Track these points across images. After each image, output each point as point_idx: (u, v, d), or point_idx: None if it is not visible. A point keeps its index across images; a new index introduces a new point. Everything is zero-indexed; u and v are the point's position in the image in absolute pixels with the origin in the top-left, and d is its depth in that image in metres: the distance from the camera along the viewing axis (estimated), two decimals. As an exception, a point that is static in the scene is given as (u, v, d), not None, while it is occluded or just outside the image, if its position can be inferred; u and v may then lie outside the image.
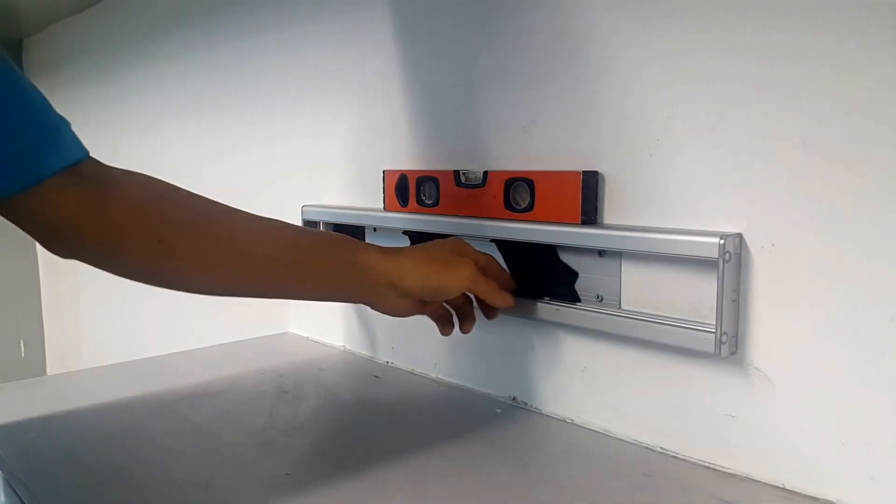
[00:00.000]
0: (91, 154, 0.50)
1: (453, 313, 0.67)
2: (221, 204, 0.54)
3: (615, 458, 0.59)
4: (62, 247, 0.50)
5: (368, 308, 0.63)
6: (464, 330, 0.66)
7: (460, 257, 0.61)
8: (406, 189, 0.77)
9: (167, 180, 0.54)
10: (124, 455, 0.61)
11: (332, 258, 0.58)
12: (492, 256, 0.66)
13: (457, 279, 0.60)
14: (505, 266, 0.68)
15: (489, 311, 0.65)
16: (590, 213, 0.61)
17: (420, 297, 0.61)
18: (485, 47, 0.70)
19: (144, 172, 0.53)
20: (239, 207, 0.56)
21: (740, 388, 0.54)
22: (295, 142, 1.01)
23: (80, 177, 0.48)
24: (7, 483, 0.58)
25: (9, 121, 0.45)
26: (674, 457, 0.58)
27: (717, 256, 0.51)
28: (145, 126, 1.47)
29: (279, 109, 1.03)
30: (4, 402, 0.74)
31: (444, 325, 0.67)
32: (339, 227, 0.89)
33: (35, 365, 2.19)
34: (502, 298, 0.62)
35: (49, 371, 2.20)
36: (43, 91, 0.48)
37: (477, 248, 0.69)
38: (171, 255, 0.51)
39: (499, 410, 0.70)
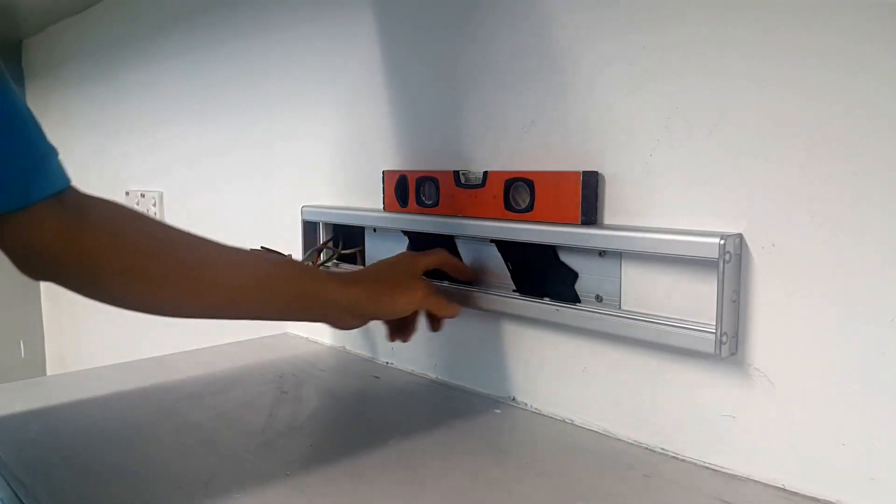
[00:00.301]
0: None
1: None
2: (191, 234, 0.57)
3: (615, 458, 0.59)
4: (38, 269, 0.52)
5: None
6: (405, 339, 0.70)
7: (412, 279, 0.67)
8: (406, 189, 0.77)
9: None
10: (124, 455, 0.61)
11: (295, 289, 0.61)
12: (444, 251, 0.71)
13: (408, 303, 0.66)
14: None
15: (435, 324, 0.70)
16: (590, 214, 0.61)
17: (375, 319, 0.67)
18: (485, 47, 0.70)
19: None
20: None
21: (740, 388, 0.54)
22: (294, 142, 1.00)
23: (62, 204, 0.50)
24: (6, 483, 0.58)
25: (6, 146, 0.46)
26: (674, 457, 0.58)
27: (717, 257, 0.51)
28: (144, 126, 1.47)
29: (279, 110, 1.03)
30: (4, 403, 0.74)
31: (393, 333, 0.71)
32: (338, 228, 0.89)
33: (35, 365, 2.19)
34: (451, 311, 0.68)
35: (49, 371, 2.20)
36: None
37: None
38: (141, 281, 0.53)
39: (498, 410, 0.70)
